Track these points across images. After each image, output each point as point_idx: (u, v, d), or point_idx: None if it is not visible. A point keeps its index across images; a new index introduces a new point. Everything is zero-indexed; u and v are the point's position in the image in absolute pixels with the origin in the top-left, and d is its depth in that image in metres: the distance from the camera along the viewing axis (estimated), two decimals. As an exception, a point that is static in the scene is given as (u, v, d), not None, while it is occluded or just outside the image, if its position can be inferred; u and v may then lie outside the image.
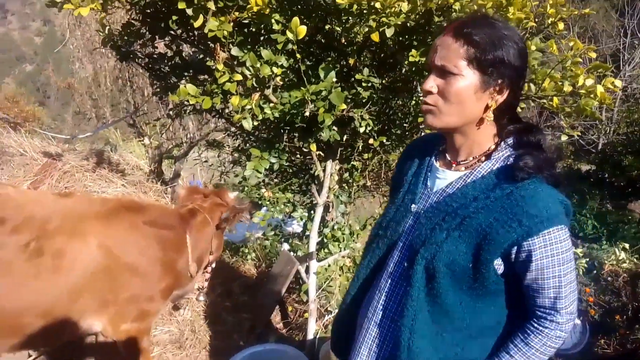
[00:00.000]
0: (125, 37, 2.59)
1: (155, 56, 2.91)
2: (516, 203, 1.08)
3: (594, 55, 2.41)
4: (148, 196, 3.25)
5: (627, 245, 3.35)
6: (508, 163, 1.14)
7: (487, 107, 1.13)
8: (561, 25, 2.80)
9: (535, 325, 1.14)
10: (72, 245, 1.84)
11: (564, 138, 2.76)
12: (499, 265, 1.13)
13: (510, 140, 1.17)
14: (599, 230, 10.01)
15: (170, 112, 2.99)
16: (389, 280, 1.28)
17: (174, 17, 2.30)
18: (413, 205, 1.26)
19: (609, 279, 2.94)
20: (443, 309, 1.17)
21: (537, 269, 1.09)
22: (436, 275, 1.14)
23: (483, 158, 1.18)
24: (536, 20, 2.91)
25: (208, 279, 2.46)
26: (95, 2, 1.97)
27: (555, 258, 1.08)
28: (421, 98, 1.16)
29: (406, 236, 1.26)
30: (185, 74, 2.92)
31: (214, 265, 2.49)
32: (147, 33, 2.64)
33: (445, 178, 1.22)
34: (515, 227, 1.06)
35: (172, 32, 2.64)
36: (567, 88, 2.61)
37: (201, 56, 2.95)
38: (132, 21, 2.58)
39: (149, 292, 1.99)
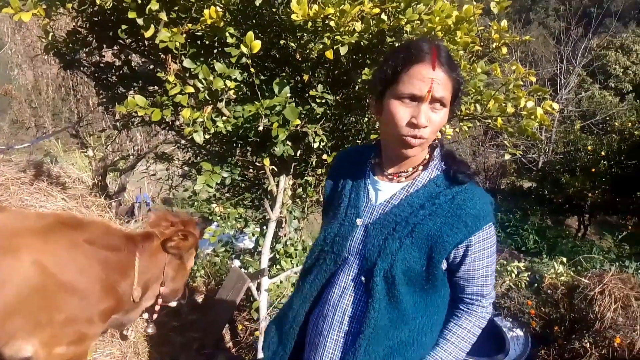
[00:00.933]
0: (70, 45, 2.47)
1: (102, 65, 2.80)
2: (459, 206, 1.18)
3: (533, 79, 2.54)
4: (90, 211, 3.08)
5: (564, 259, 3.54)
6: (442, 170, 1.24)
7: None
8: (505, 50, 2.95)
9: (465, 310, 1.25)
10: (4, 263, 1.70)
11: (507, 157, 2.88)
12: (443, 263, 1.23)
13: (439, 150, 1.28)
14: (540, 245, 10.52)
15: (117, 124, 2.86)
16: (343, 296, 1.28)
17: (124, 27, 2.23)
18: (358, 220, 1.27)
19: (549, 291, 3.09)
20: (401, 313, 1.23)
21: (470, 262, 1.20)
22: (395, 283, 1.20)
23: (421, 168, 1.25)
24: (482, 44, 3.06)
25: (158, 312, 2.29)
26: (38, 8, 1.87)
27: (486, 251, 1.20)
28: (414, 131, 1.12)
29: (357, 250, 1.27)
30: (134, 84, 2.83)
31: (174, 304, 2.36)
32: (94, 41, 2.53)
33: (388, 190, 1.26)
34: (462, 227, 1.16)
35: (120, 41, 2.55)
36: (510, 109, 2.74)
37: (151, 67, 2.88)
38: (78, 28, 2.47)
39: (88, 314, 1.86)
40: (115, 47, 2.63)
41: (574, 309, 2.94)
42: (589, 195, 10.38)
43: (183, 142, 3.52)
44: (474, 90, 2.72)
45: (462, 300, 1.25)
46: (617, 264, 7.14)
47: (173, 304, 2.39)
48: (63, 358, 1.82)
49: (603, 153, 10.38)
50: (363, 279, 1.25)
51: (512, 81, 2.61)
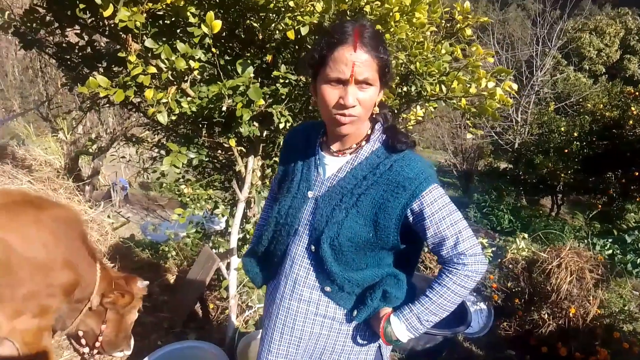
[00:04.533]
0: (28, 24, 2.43)
1: (64, 45, 2.75)
2: (397, 172, 1.24)
3: (491, 60, 2.60)
4: (58, 194, 3.06)
5: (526, 235, 3.66)
6: (382, 141, 1.30)
7: (374, 105, 1.27)
8: (469, 32, 3.00)
9: (446, 268, 1.26)
10: None
11: (469, 136, 2.94)
12: (397, 229, 1.26)
13: (381, 122, 1.34)
14: (514, 224, 10.78)
15: (82, 105, 2.84)
16: (294, 265, 1.36)
17: (82, 5, 2.19)
18: (310, 192, 1.35)
19: (510, 266, 3.21)
20: (353, 275, 1.32)
21: (433, 223, 1.22)
22: (342, 249, 1.27)
23: (363, 142, 1.31)
24: (447, 25, 3.10)
25: (99, 345, 2.32)
26: (-11, -15, 1.84)
27: (444, 210, 1.23)
28: (342, 111, 1.17)
29: (307, 221, 1.35)
30: (98, 65, 2.79)
31: (119, 354, 2.40)
32: (54, 21, 2.49)
33: (334, 164, 1.34)
34: (401, 192, 1.22)
35: (81, 20, 2.51)
36: (473, 90, 2.81)
37: (117, 47, 2.84)
38: (36, 7, 2.43)
39: (50, 288, 1.89)
40: (76, 27, 2.59)
41: (532, 282, 3.06)
42: (562, 175, 10.63)
43: (153, 124, 3.51)
44: (437, 72, 2.76)
45: (444, 262, 1.27)
46: (586, 241, 7.39)
47: (118, 354, 2.45)
48: (26, 332, 1.85)
49: (575, 134, 10.62)
50: (313, 248, 1.32)
51: (472, 62, 2.65)
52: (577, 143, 10.55)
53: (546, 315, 3.00)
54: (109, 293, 2.18)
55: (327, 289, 1.33)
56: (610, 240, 7.99)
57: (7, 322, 1.82)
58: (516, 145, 13.24)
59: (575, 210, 12.31)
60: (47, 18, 2.51)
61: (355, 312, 1.34)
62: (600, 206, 10.45)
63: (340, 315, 1.36)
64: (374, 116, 1.32)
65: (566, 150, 10.61)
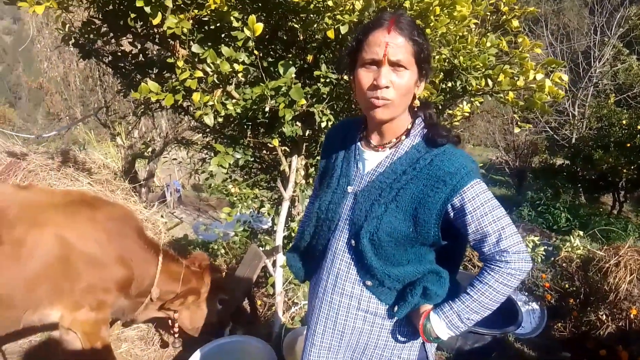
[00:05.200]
0: (86, 35, 2.60)
1: (119, 54, 2.92)
2: (438, 167, 1.22)
3: (539, 51, 2.50)
4: (115, 195, 3.25)
5: (581, 233, 3.49)
6: (424, 135, 1.30)
7: (414, 96, 1.27)
8: (515, 23, 2.91)
9: (488, 266, 1.23)
10: (30, 236, 1.86)
11: (516, 131, 2.86)
12: (438, 225, 1.24)
13: (421, 117, 1.33)
14: (572, 223, 10.24)
15: (136, 110, 3.00)
16: (335, 260, 1.38)
17: (133, 15, 2.32)
18: (349, 187, 1.36)
19: (564, 264, 3.06)
20: (393, 270, 1.31)
21: (474, 219, 1.20)
22: (382, 244, 1.27)
23: (403, 137, 1.31)
24: (493, 17, 3.02)
25: (177, 331, 2.61)
26: (51, 0, 1.99)
27: (486, 206, 1.20)
28: (376, 93, 1.18)
29: (347, 216, 1.36)
30: (150, 71, 2.94)
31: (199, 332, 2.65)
32: (109, 31, 2.65)
33: (374, 159, 1.34)
34: (442, 187, 1.20)
35: (133, 29, 2.66)
36: (521, 83, 2.72)
37: (167, 54, 2.98)
38: (92, 19, 2.59)
39: (105, 283, 2.02)
40: (128, 36, 2.74)
41: (588, 282, 2.92)
42: (624, 171, 9.99)
43: (202, 126, 3.64)
44: (482, 65, 2.70)
45: (486, 259, 1.25)
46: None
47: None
48: (86, 323, 1.98)
49: (639, 127, 9.95)
50: (353, 242, 1.33)
51: (518, 54, 2.57)
52: (641, 136, 9.88)
53: (604, 316, 2.85)
54: (171, 286, 2.35)
55: (368, 283, 1.34)
56: (679, 239, 7.43)
57: (68, 314, 1.96)
58: (573, 141, 12.57)
59: (639, 207, 11.55)
60: (103, 29, 2.68)
61: (396, 308, 1.34)
62: (668, 203, 9.73)
63: (382, 310, 1.36)
64: (414, 110, 1.32)
65: (628, 145, 9.96)
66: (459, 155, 1.24)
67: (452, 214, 1.23)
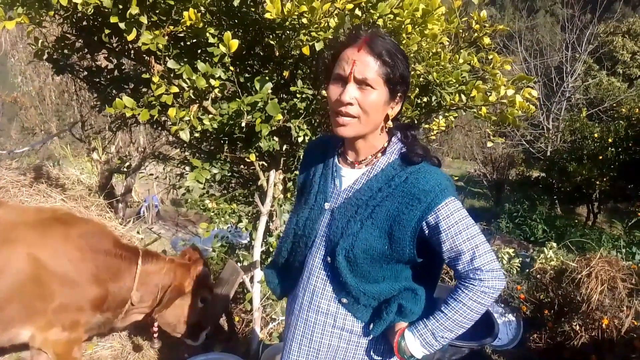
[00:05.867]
0: (60, 50, 2.58)
1: (93, 69, 2.90)
2: (412, 185, 1.23)
3: (509, 67, 2.58)
4: (90, 211, 3.20)
5: (554, 244, 3.57)
6: (401, 154, 1.30)
7: (387, 117, 1.28)
8: (487, 40, 2.99)
9: (462, 284, 1.23)
10: (2, 253, 1.82)
11: (489, 144, 2.91)
12: (413, 242, 1.24)
13: (398, 135, 1.34)
14: (549, 234, 10.44)
15: (111, 125, 2.97)
16: (311, 277, 1.37)
17: (107, 31, 2.32)
18: (326, 204, 1.36)
19: (538, 276, 3.12)
20: (369, 287, 1.31)
21: (448, 237, 1.20)
22: (357, 261, 1.27)
23: (379, 154, 1.31)
24: (466, 34, 3.10)
25: (157, 330, 2.53)
26: (22, 16, 1.97)
27: (460, 224, 1.20)
28: (339, 109, 1.20)
29: (323, 232, 1.36)
30: (125, 86, 2.92)
31: (180, 331, 2.57)
32: (83, 46, 2.64)
33: (350, 176, 1.34)
34: (416, 204, 1.21)
35: (108, 45, 2.65)
36: (493, 98, 2.79)
37: (143, 69, 2.97)
38: (66, 34, 2.58)
39: (78, 302, 1.97)
40: (103, 51, 2.73)
41: (562, 293, 2.97)
42: (597, 182, 10.28)
43: (179, 142, 3.62)
44: (454, 81, 2.76)
45: (460, 276, 1.24)
46: (624, 250, 7.10)
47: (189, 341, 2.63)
48: (58, 343, 1.94)
49: (610, 140, 10.27)
50: (329, 259, 1.33)
51: (490, 70, 2.64)
52: (612, 149, 10.20)
53: (578, 326, 2.90)
54: (152, 286, 2.31)
55: (344, 300, 1.33)
56: (651, 249, 7.63)
57: (39, 334, 1.91)
58: (548, 153, 12.90)
59: (613, 218, 11.85)
60: (77, 44, 2.66)
61: (371, 326, 1.33)
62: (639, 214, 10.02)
63: (358, 328, 1.35)
64: (387, 129, 1.31)
65: (601, 157, 10.27)
66: (434, 173, 1.25)
67: (427, 232, 1.23)
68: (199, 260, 2.57)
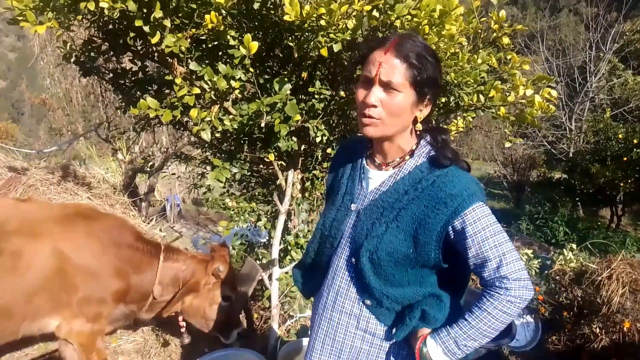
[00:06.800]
0: (87, 53, 2.67)
1: (119, 71, 2.99)
2: (439, 189, 1.22)
3: (527, 67, 2.57)
4: (114, 209, 3.30)
5: (574, 246, 3.52)
6: (429, 157, 1.29)
7: (415, 119, 1.28)
8: (506, 40, 2.98)
9: (487, 292, 1.21)
10: (28, 248, 1.91)
11: (507, 145, 2.90)
12: (438, 247, 1.23)
13: (427, 138, 1.33)
14: (570, 237, 10.25)
15: (135, 126, 3.06)
16: (336, 277, 1.39)
17: (132, 34, 2.40)
18: (352, 205, 1.37)
19: (557, 277, 3.09)
20: (392, 291, 1.30)
21: (474, 243, 1.18)
22: (381, 263, 1.27)
23: (407, 157, 1.32)
24: (485, 35, 3.10)
25: (184, 325, 2.59)
26: (52, 21, 2.06)
27: (487, 230, 1.18)
28: (363, 111, 1.22)
29: (348, 233, 1.37)
30: (149, 88, 3.01)
31: (205, 327, 2.60)
32: (109, 49, 2.73)
33: (378, 178, 1.35)
34: (442, 208, 1.19)
35: (132, 47, 2.73)
36: (512, 98, 2.78)
37: (166, 71, 3.06)
38: (93, 37, 2.67)
39: (101, 294, 2.05)
40: (128, 54, 2.82)
41: (582, 295, 2.94)
42: (621, 184, 10.04)
43: (200, 142, 3.71)
44: (472, 81, 2.76)
45: (486, 284, 1.22)
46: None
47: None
48: (81, 334, 2.02)
49: (635, 141, 10.01)
50: (353, 260, 1.34)
51: (507, 70, 2.64)
52: (638, 150, 9.95)
53: (598, 329, 2.87)
54: (174, 280, 2.37)
55: (367, 302, 1.33)
56: (678, 252, 7.45)
57: (65, 324, 2.00)
58: (570, 155, 12.65)
59: (637, 221, 11.57)
60: (103, 47, 2.75)
61: (394, 330, 1.32)
62: (666, 217, 9.77)
63: (381, 331, 1.35)
64: (417, 132, 1.32)
65: (625, 159, 10.02)
66: (462, 177, 1.23)
67: (452, 237, 1.22)
68: (219, 257, 2.58)
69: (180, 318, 2.57)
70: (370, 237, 1.28)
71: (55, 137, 6.90)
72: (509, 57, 2.68)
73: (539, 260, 3.36)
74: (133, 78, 3.03)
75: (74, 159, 4.65)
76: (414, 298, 1.32)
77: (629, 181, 10.02)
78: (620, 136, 10.36)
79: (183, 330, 2.59)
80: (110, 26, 2.54)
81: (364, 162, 1.40)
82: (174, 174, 4.43)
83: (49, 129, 7.75)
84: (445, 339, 1.24)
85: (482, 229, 1.18)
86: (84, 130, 6.36)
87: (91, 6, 2.08)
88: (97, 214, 2.32)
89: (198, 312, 2.56)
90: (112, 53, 2.83)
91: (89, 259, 2.03)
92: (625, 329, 2.79)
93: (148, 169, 5.47)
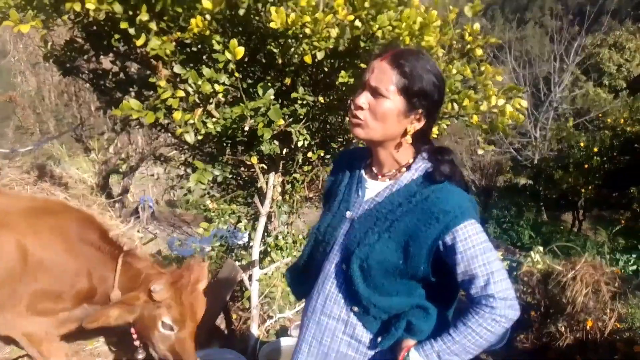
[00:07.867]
0: (68, 53, 2.66)
1: (99, 72, 2.98)
2: (433, 203, 1.24)
3: (500, 78, 2.70)
4: (92, 210, 3.26)
5: (541, 248, 3.70)
6: (426, 172, 1.31)
7: (405, 131, 1.32)
8: (479, 52, 3.12)
9: (473, 309, 1.21)
10: None
11: (480, 152, 3.04)
12: (428, 260, 1.24)
13: (425, 154, 1.34)
14: (535, 240, 10.65)
15: (115, 127, 3.05)
16: (326, 282, 1.42)
17: (117, 36, 2.40)
18: (348, 212, 1.40)
19: (525, 278, 3.25)
20: (380, 300, 1.33)
21: (464, 260, 1.20)
22: (371, 272, 1.29)
23: (404, 169, 1.34)
24: (459, 46, 3.23)
25: (137, 337, 2.19)
26: (36, 20, 2.06)
27: (477, 248, 1.19)
28: (352, 111, 1.29)
29: (342, 240, 1.41)
30: (130, 89, 3.01)
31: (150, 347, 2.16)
32: (91, 49, 2.72)
33: (374, 188, 1.38)
34: (434, 223, 1.21)
35: (115, 49, 2.73)
36: (484, 107, 2.92)
37: (148, 73, 3.06)
38: (76, 38, 2.66)
39: (58, 290, 2.01)
40: (110, 55, 2.81)
41: (548, 295, 3.10)
42: (583, 190, 10.52)
43: (180, 143, 3.71)
44: (447, 90, 2.88)
45: (472, 300, 1.22)
46: (608, 256, 7.28)
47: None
48: (35, 331, 2.00)
49: (595, 149, 10.52)
50: (344, 266, 1.37)
51: (481, 80, 2.77)
52: (598, 158, 10.45)
53: (563, 327, 3.03)
54: (130, 289, 2.07)
55: (355, 308, 1.35)
56: (634, 255, 7.85)
57: (19, 321, 1.98)
58: (535, 161, 13.16)
59: (597, 225, 12.12)
60: (85, 47, 2.74)
61: (379, 339, 1.34)
62: (623, 222, 10.27)
63: (367, 339, 1.35)
64: (414, 146, 1.34)
65: (586, 166, 10.52)
66: (456, 194, 1.25)
67: (443, 251, 1.23)
68: (174, 275, 2.06)
69: (132, 330, 2.17)
70: (362, 245, 1.30)
71: (24, 135, 6.71)
72: (482, 68, 2.81)
73: (507, 262, 3.51)
74: (114, 79, 3.02)
75: (47, 159, 4.55)
76: (401, 308, 1.33)
77: (590, 187, 10.52)
78: (581, 144, 10.86)
79: (137, 343, 2.21)
80: (95, 27, 2.53)
81: (362, 171, 1.44)
82: (152, 175, 4.40)
83: (16, 127, 7.52)
84: (428, 352, 1.25)
85: (472, 246, 1.20)
86: (55, 129, 6.22)
87: (77, 7, 2.08)
88: (65, 208, 2.27)
89: (143, 331, 2.13)
90: (92, 53, 2.82)
91: (52, 256, 2.00)
92: (588, 327, 2.96)
93: (124, 170, 5.40)
